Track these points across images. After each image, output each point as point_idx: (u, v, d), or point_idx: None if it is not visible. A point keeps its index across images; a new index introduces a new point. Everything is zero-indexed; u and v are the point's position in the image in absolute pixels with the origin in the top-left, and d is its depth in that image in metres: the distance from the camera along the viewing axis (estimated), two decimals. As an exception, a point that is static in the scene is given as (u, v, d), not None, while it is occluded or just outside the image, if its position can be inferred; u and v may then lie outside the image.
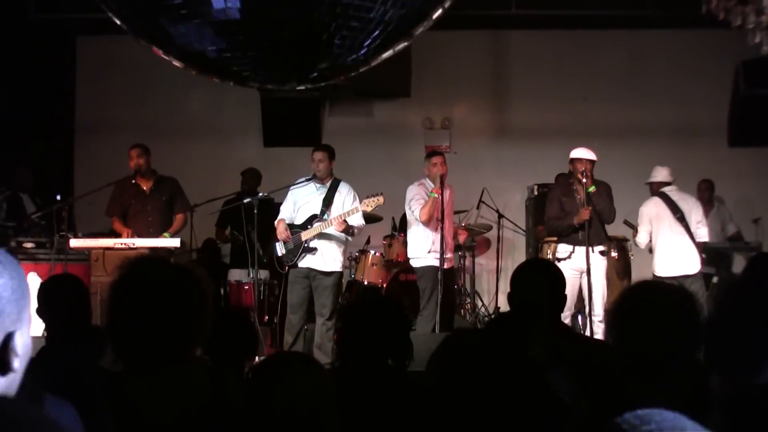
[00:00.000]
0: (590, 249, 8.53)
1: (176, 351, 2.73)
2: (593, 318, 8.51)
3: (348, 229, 8.51)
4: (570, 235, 8.78)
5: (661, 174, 9.56)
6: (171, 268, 2.86)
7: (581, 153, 8.80)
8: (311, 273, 8.61)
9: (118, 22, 4.45)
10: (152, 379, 2.68)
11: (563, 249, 8.85)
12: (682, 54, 12.22)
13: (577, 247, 8.69)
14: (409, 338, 3.72)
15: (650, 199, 9.47)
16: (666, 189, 9.43)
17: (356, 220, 8.58)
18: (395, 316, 3.75)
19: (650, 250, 9.59)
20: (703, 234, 9.29)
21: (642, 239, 9.37)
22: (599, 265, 8.67)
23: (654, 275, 9.23)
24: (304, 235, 8.59)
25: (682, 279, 8.94)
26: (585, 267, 8.51)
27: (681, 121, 12.16)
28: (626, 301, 3.17)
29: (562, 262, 8.72)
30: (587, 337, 7.59)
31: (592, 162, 8.74)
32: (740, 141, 11.93)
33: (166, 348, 2.71)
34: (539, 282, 4.24)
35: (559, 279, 4.32)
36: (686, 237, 9.20)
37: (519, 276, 4.34)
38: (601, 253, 8.73)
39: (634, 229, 9.72)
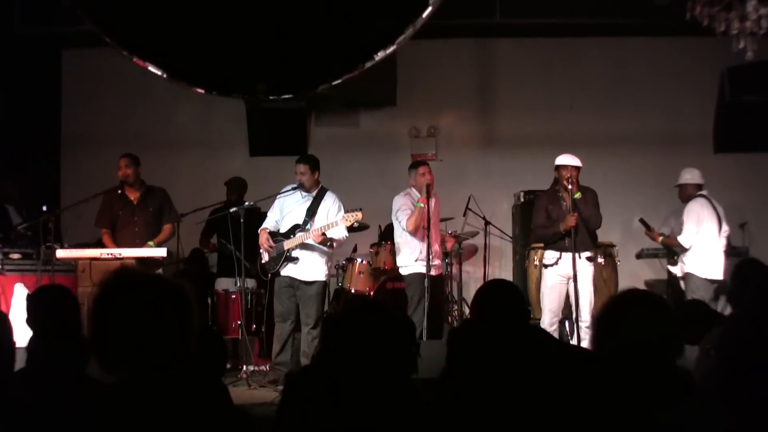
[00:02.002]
0: (577, 255, 8.55)
1: (160, 363, 2.73)
2: (580, 324, 8.51)
3: (326, 242, 8.54)
4: (557, 242, 8.79)
5: (695, 176, 9.58)
6: (151, 281, 2.85)
7: (566, 159, 8.83)
8: (294, 282, 8.66)
9: (96, 30, 4.46)
10: (138, 392, 2.67)
11: (550, 255, 8.84)
12: (667, 61, 12.25)
13: (563, 254, 8.69)
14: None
15: (697, 200, 9.42)
16: (704, 192, 9.49)
17: (337, 233, 8.60)
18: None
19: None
20: (723, 243, 9.38)
21: (689, 239, 9.29)
22: (586, 271, 8.67)
23: (688, 273, 9.29)
24: (287, 245, 8.63)
25: (719, 283, 9.02)
26: (572, 273, 8.51)
27: (667, 128, 12.18)
28: (608, 309, 3.34)
29: (549, 268, 8.76)
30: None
31: (577, 168, 8.76)
32: (726, 147, 11.93)
33: (149, 361, 2.71)
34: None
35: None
36: (720, 242, 9.29)
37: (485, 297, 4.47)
38: (588, 259, 8.73)
39: (647, 227, 9.73)
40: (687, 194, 9.57)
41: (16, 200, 10.27)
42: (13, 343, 3.69)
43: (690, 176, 9.60)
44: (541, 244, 9.26)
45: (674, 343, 3.20)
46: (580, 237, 8.61)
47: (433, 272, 8.79)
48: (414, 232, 8.90)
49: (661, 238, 9.71)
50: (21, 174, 10.77)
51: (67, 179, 12.36)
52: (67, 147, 12.54)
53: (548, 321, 8.75)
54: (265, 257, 8.81)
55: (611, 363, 3.18)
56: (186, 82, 4.89)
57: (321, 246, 8.60)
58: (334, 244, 8.72)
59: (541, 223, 8.98)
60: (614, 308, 3.33)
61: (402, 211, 9.01)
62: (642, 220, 9.91)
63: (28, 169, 11.25)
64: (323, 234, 8.46)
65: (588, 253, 8.75)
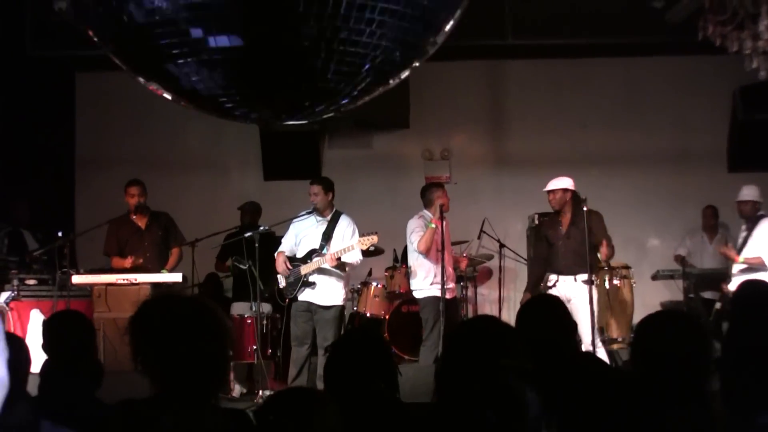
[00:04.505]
0: (573, 278, 8.57)
1: (207, 386, 2.77)
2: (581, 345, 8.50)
3: (341, 266, 8.54)
4: (553, 265, 8.78)
5: (755, 192, 9.49)
6: (197, 304, 2.89)
7: (547, 186, 8.86)
8: (312, 306, 8.64)
9: (114, 59, 4.47)
10: (183, 414, 2.70)
11: (550, 278, 8.88)
12: (679, 80, 12.24)
13: (560, 276, 8.70)
14: (391, 366, 3.78)
15: None
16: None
17: (352, 257, 8.59)
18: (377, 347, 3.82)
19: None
20: None
21: None
22: (583, 294, 8.51)
23: None
24: (304, 269, 8.62)
25: None
26: (569, 296, 8.47)
27: (680, 146, 12.17)
28: (646, 328, 3.48)
29: (549, 291, 8.75)
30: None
31: (564, 190, 8.73)
32: (740, 166, 11.90)
33: (199, 383, 2.75)
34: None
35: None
36: None
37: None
38: (585, 282, 8.59)
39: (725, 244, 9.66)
40: (751, 213, 9.43)
41: (27, 222, 10.28)
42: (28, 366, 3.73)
43: (754, 193, 9.50)
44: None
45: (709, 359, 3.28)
46: (574, 260, 8.55)
47: (447, 295, 8.77)
48: (426, 253, 8.89)
49: (741, 258, 9.32)
50: (35, 196, 10.79)
51: (81, 201, 12.39)
52: (80, 169, 12.58)
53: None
54: (282, 282, 8.81)
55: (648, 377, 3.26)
56: (198, 107, 4.87)
57: (337, 270, 8.61)
58: (347, 268, 8.71)
59: (536, 254, 9.04)
60: (650, 329, 3.44)
61: (415, 233, 9.00)
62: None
63: (41, 192, 11.26)
64: (338, 258, 8.46)
65: (584, 276, 8.62)
